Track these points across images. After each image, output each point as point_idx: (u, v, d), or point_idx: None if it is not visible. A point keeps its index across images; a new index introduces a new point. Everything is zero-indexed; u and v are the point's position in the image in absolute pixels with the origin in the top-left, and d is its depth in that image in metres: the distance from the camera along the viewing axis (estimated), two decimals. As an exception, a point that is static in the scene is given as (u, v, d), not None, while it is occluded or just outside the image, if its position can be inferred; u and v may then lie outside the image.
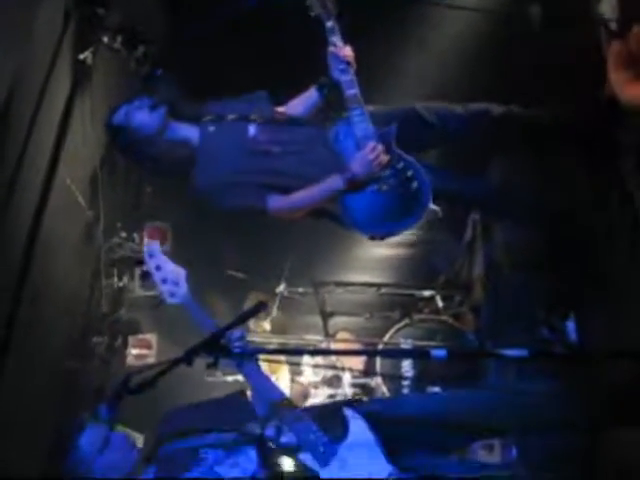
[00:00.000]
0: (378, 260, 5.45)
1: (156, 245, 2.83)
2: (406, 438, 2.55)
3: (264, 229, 4.55)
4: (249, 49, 4.51)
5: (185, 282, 2.73)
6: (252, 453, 2.48)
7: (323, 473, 2.37)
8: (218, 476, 2.40)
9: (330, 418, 2.62)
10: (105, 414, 2.41)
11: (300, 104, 3.41)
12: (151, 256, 2.79)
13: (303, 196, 3.18)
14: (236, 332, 2.44)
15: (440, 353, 2.13)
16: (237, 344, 2.27)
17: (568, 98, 3.55)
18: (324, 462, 2.38)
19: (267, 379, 2.59)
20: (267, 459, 2.45)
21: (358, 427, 2.48)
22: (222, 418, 2.63)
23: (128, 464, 2.45)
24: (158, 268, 2.76)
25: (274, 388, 2.58)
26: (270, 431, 2.53)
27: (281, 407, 2.49)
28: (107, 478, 2.54)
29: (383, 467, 2.39)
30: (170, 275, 2.74)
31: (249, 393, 2.79)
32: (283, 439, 2.47)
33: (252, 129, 3.25)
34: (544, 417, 2.66)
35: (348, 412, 2.53)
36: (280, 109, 3.42)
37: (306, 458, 2.40)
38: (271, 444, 2.46)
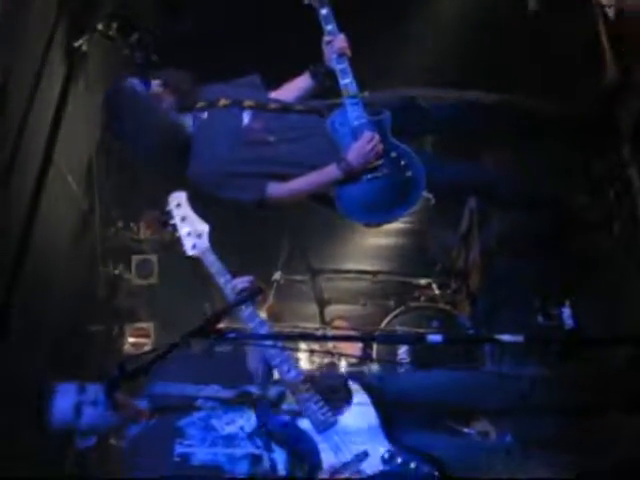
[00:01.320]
0: (375, 248, 5.46)
1: (183, 194, 2.81)
2: (404, 413, 2.56)
3: (261, 216, 4.54)
4: (243, 34, 4.50)
5: (207, 237, 2.72)
6: (251, 414, 2.48)
7: (318, 439, 2.37)
8: (213, 430, 2.41)
9: (335, 389, 2.62)
10: (102, 399, 2.40)
11: (294, 89, 3.38)
12: (178, 205, 2.77)
13: (300, 184, 3.18)
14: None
15: (436, 338, 2.14)
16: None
17: (566, 85, 3.55)
18: (322, 429, 2.38)
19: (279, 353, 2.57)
20: (266, 422, 2.45)
21: (361, 401, 2.49)
22: (218, 375, 2.62)
23: (110, 423, 2.45)
24: (184, 219, 2.75)
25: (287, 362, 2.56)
26: (272, 395, 2.54)
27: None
28: None
29: (380, 442, 2.40)
30: (194, 228, 2.73)
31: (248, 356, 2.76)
32: (284, 405, 2.47)
33: (246, 117, 3.23)
34: (539, 402, 2.66)
35: (353, 385, 2.54)
36: (273, 93, 3.40)
37: (304, 424, 2.41)
38: (272, 408, 2.48)
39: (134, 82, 3.18)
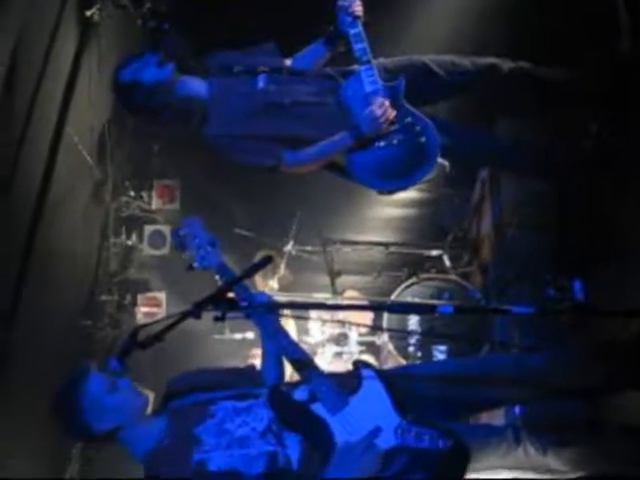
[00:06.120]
0: (386, 219, 5.43)
1: (197, 220, 2.87)
2: (417, 400, 2.57)
3: (272, 187, 4.55)
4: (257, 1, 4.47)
5: (218, 249, 2.78)
6: (262, 413, 2.51)
7: (332, 421, 2.39)
8: (227, 433, 2.44)
9: (345, 374, 2.66)
10: (114, 367, 2.40)
11: (308, 56, 3.37)
12: (190, 225, 2.83)
13: (313, 152, 3.19)
14: None
15: (446, 308, 2.14)
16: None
17: (581, 53, 3.51)
18: (334, 411, 2.40)
19: (290, 338, 2.62)
20: (280, 412, 2.48)
21: (371, 382, 2.51)
22: (231, 383, 2.65)
23: (136, 407, 2.46)
24: (195, 236, 2.80)
25: (297, 347, 2.60)
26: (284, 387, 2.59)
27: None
28: None
29: (392, 419, 2.42)
30: (205, 242, 2.79)
31: (258, 365, 2.82)
32: (296, 395, 2.50)
33: (261, 81, 3.23)
34: (550, 382, 2.66)
35: (363, 369, 2.57)
36: (288, 61, 3.38)
37: (317, 408, 2.42)
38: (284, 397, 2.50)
39: (142, 56, 3.17)
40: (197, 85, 3.25)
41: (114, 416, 2.41)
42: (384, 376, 2.56)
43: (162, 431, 2.45)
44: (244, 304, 2.12)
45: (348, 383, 2.51)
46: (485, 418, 3.63)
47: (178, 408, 2.54)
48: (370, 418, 2.40)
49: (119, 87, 3.21)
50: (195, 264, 2.79)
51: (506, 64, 3.39)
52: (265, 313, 2.56)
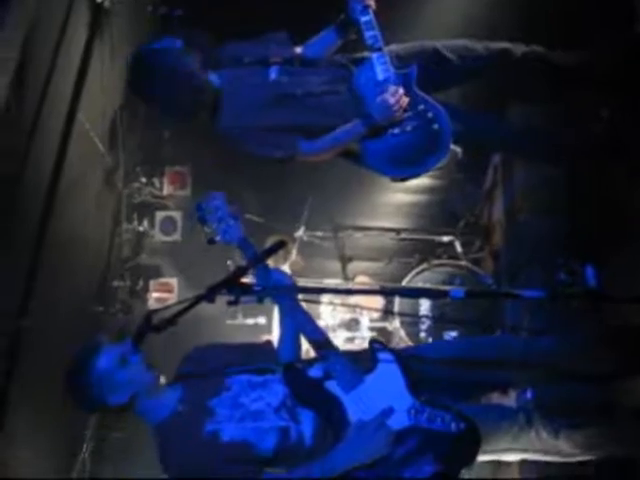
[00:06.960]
0: (398, 205, 5.42)
1: (221, 193, 2.85)
2: (429, 381, 2.59)
3: (284, 173, 4.55)
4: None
5: (240, 225, 2.76)
6: (278, 388, 2.53)
7: (346, 399, 2.42)
8: (241, 407, 2.46)
9: (360, 353, 2.69)
10: (128, 351, 2.43)
11: (319, 44, 3.36)
12: (214, 198, 2.81)
13: (326, 141, 3.20)
14: None
15: (458, 293, 2.15)
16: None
17: (594, 36, 3.50)
18: (348, 389, 2.43)
19: (308, 316, 2.63)
20: (294, 388, 2.50)
21: (386, 362, 2.53)
22: (245, 360, 2.67)
23: (146, 383, 2.48)
24: (217, 209, 2.77)
25: (314, 325, 2.62)
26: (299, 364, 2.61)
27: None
28: None
29: (406, 399, 2.44)
30: (227, 216, 2.77)
31: (275, 342, 2.83)
32: (311, 372, 2.52)
33: (273, 73, 3.23)
34: (560, 365, 2.67)
35: (378, 349, 2.58)
36: (298, 49, 3.38)
37: (331, 385, 2.45)
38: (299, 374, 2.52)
39: (162, 42, 3.16)
40: (209, 76, 3.23)
41: (126, 389, 2.43)
42: (399, 357, 2.58)
43: (176, 402, 2.48)
44: (257, 289, 2.14)
45: (363, 362, 2.53)
46: (496, 399, 3.64)
47: (193, 382, 2.56)
48: (384, 398, 2.43)
49: (144, 54, 3.17)
50: (217, 238, 2.74)
51: (519, 48, 3.38)
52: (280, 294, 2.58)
